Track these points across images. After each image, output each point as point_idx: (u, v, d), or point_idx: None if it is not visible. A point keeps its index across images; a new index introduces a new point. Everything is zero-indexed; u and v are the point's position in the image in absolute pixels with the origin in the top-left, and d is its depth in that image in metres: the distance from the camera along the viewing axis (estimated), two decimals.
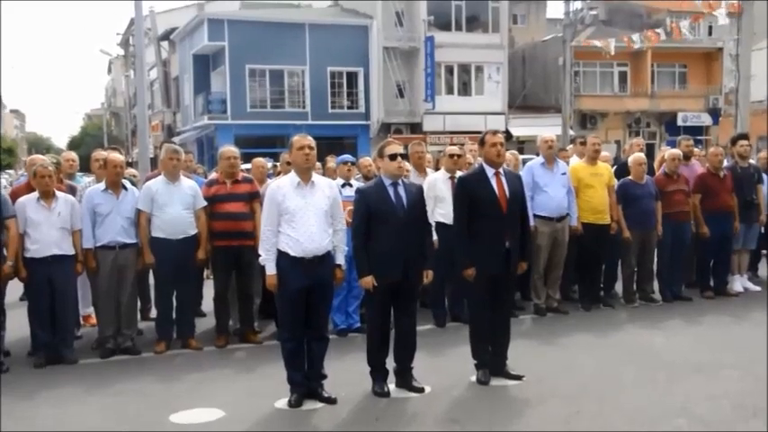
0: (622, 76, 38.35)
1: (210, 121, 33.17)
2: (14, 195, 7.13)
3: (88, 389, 6.11)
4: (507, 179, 5.93)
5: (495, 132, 6.04)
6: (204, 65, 35.67)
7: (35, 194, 6.82)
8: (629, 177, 8.76)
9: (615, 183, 8.73)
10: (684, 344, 7.11)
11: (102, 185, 7.13)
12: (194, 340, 7.30)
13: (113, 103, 71.20)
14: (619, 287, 9.02)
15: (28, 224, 6.71)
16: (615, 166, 9.53)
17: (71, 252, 6.85)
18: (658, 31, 25.11)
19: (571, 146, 10.73)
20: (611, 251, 8.73)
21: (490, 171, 5.92)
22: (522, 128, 33.37)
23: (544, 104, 36.13)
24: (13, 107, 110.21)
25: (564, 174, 8.38)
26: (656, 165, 9.93)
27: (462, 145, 9.29)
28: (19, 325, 7.08)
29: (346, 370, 6.07)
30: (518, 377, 5.95)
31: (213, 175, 8.01)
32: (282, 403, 5.50)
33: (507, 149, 6.71)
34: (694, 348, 6.90)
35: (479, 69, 35.80)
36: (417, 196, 5.75)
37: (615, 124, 37.38)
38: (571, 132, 27.80)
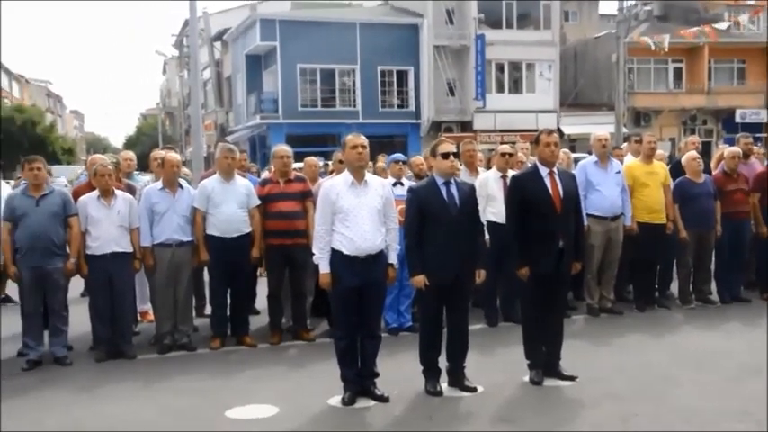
0: (677, 72, 37.59)
1: (262, 120, 33.57)
2: (76, 194, 7.32)
3: (146, 383, 6.25)
4: (561, 178, 5.88)
5: (549, 132, 5.99)
6: (256, 65, 36.11)
7: (95, 193, 7.01)
8: (686, 176, 8.61)
9: (671, 182, 8.58)
10: (743, 346, 6.96)
11: (159, 184, 7.28)
12: (248, 337, 7.40)
13: (168, 103, 72.47)
14: (675, 288, 8.87)
15: (89, 222, 6.89)
16: (670, 165, 9.36)
17: (130, 249, 7.01)
18: (722, 25, 24.50)
19: (625, 144, 10.57)
20: (668, 251, 8.59)
21: (544, 170, 5.88)
22: (574, 126, 33.01)
23: (596, 102, 35.67)
24: (73, 108, 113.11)
25: (618, 172, 8.27)
26: (713, 163, 9.73)
27: (514, 144, 9.22)
28: (80, 320, 7.27)
29: (398, 368, 6.09)
30: (572, 378, 5.90)
31: (266, 175, 8.10)
32: (335, 401, 5.55)
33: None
34: (753, 351, 6.73)
35: (530, 67, 35.53)
36: (469, 195, 5.74)
37: (670, 122, 36.68)
38: (624, 130, 27.40)
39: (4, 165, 14.70)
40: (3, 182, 10.17)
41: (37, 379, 6.43)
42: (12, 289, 8.80)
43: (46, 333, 6.97)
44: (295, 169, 7.82)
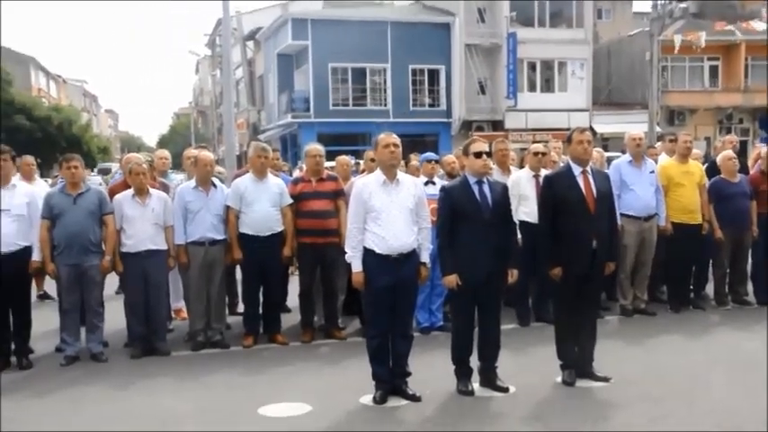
0: (713, 70, 37.05)
1: (294, 119, 33.74)
2: (112, 193, 7.42)
3: (180, 380, 6.32)
4: (595, 178, 5.83)
5: (582, 130, 5.94)
6: (288, 64, 36.29)
7: (130, 191, 7.10)
8: (722, 175, 8.49)
9: (706, 181, 8.47)
10: None
11: (192, 183, 7.35)
12: (280, 335, 7.45)
13: (200, 102, 73.15)
14: (710, 289, 8.77)
15: (124, 220, 6.99)
16: (706, 164, 9.24)
17: (164, 247, 7.09)
18: (760, 25, 24.09)
19: (660, 143, 10.46)
20: (703, 251, 8.49)
21: (577, 169, 5.83)
22: (607, 125, 32.72)
23: (629, 101, 35.32)
24: (108, 107, 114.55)
25: (652, 172, 8.19)
26: (750, 162, 9.58)
27: (546, 143, 9.16)
28: (114, 317, 7.37)
29: (430, 368, 6.09)
30: (605, 379, 5.85)
31: (298, 173, 8.14)
32: (367, 399, 5.57)
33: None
34: None
35: (563, 65, 35.31)
36: (502, 195, 5.72)
37: (705, 120, 36.15)
38: (658, 129, 27.09)
39: (41, 163, 14.99)
40: (41, 180, 10.34)
41: (74, 374, 6.54)
42: (50, 286, 8.97)
43: (83, 329, 7.08)
44: (327, 168, 7.86)
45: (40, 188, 8.63)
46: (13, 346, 6.82)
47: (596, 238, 5.77)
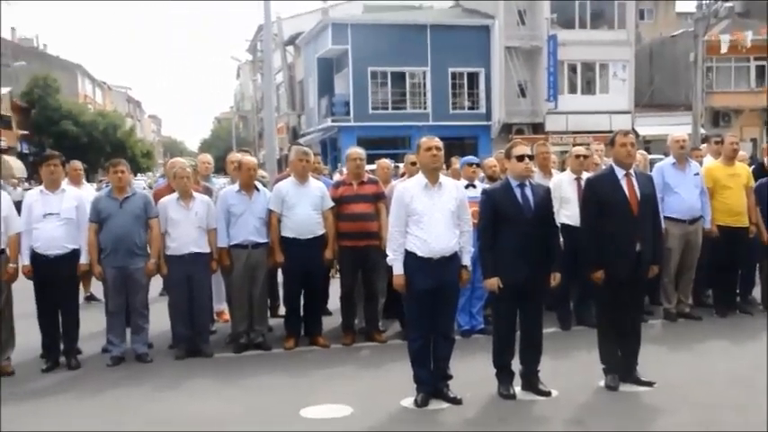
0: (760, 70, 36.29)
1: (334, 122, 33.91)
2: (157, 197, 7.54)
3: (224, 382, 6.39)
4: (638, 180, 5.77)
5: (626, 133, 5.88)
6: (328, 68, 36.49)
7: (175, 195, 7.21)
8: None
9: (753, 183, 8.32)
10: None
11: (236, 187, 7.43)
12: (321, 338, 7.49)
13: (241, 107, 73.93)
14: (757, 293, 8.59)
15: (168, 223, 7.09)
16: (752, 166, 9.07)
17: (207, 250, 7.18)
18: None
19: (704, 145, 10.30)
20: (749, 254, 8.33)
21: (620, 172, 5.78)
22: (649, 127, 32.27)
23: (673, 102, 34.79)
24: (151, 112, 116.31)
25: (696, 174, 8.07)
26: None
27: (588, 145, 9.09)
28: (158, 319, 7.47)
29: (471, 371, 6.07)
30: (649, 383, 5.78)
31: (338, 177, 8.18)
32: (409, 402, 5.57)
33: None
34: None
35: (604, 67, 34.95)
36: (544, 198, 5.70)
37: (751, 121, 35.45)
38: (702, 131, 26.65)
39: (87, 168, 15.29)
40: (88, 184, 10.55)
41: (120, 375, 6.66)
42: (96, 288, 9.14)
43: (128, 331, 7.21)
44: (367, 171, 7.89)
45: (88, 192, 8.81)
46: (62, 347, 6.96)
47: (640, 240, 5.71)
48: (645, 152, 9.13)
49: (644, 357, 5.96)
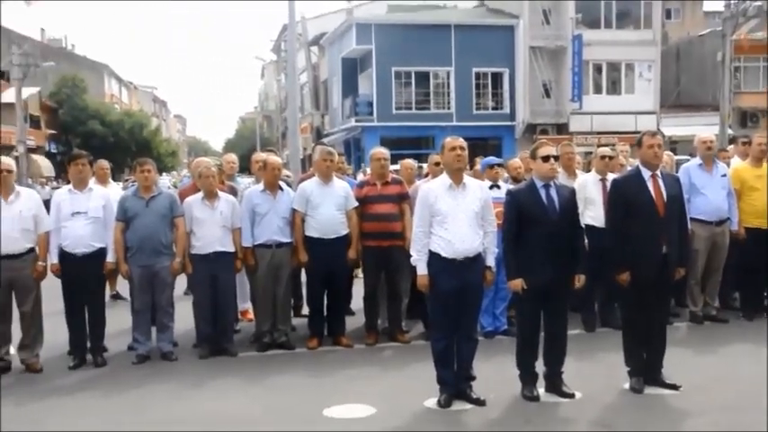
0: None
1: (357, 122, 33.95)
2: (182, 196, 7.60)
3: (248, 380, 6.43)
4: (665, 181, 5.73)
5: (653, 133, 5.84)
6: (352, 68, 36.54)
7: (200, 194, 7.25)
8: None
9: None
10: None
11: (260, 186, 7.47)
12: (344, 338, 7.51)
13: (266, 107, 74.24)
14: None
15: (194, 223, 7.15)
16: None
17: (232, 249, 7.22)
18: None
19: (732, 146, 10.18)
20: None
21: (646, 173, 5.73)
22: (675, 127, 31.92)
23: (699, 102, 34.41)
24: (177, 112, 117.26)
25: (724, 175, 7.99)
26: None
27: (613, 146, 9.03)
28: (182, 318, 7.53)
29: (494, 372, 6.06)
30: (674, 386, 5.73)
31: (361, 177, 8.18)
32: (432, 402, 5.57)
33: None
34: None
35: (630, 67, 34.66)
36: (569, 199, 5.67)
37: None
38: (729, 131, 26.34)
39: (113, 167, 15.38)
40: (114, 183, 10.65)
41: (145, 372, 6.73)
42: (122, 286, 9.23)
43: (153, 329, 7.27)
44: (391, 171, 7.88)
45: (115, 191, 8.89)
46: (88, 344, 7.04)
47: (666, 242, 5.66)
48: (671, 153, 9.03)
49: (669, 360, 5.90)
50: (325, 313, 7.54)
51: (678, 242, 5.79)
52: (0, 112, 42.14)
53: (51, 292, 7.13)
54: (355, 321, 8.11)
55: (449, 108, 34.18)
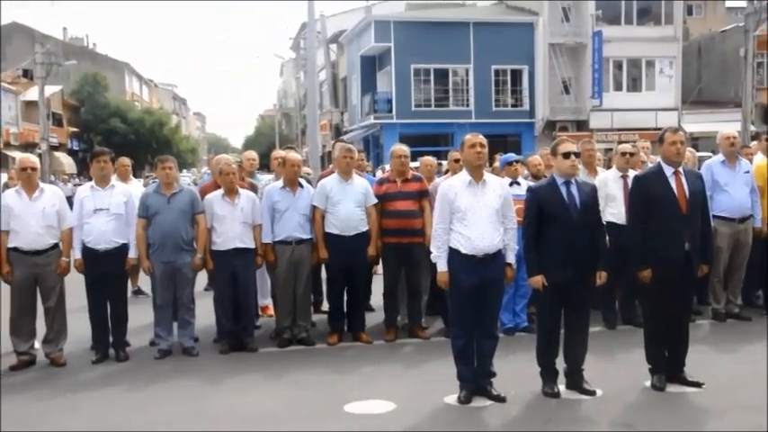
0: None
1: (376, 120, 33.98)
2: (203, 193, 7.64)
3: (268, 376, 6.46)
4: (687, 178, 5.68)
5: (675, 130, 5.79)
6: (371, 65, 36.59)
7: (220, 191, 7.29)
8: None
9: None
10: None
11: (280, 183, 7.49)
12: (364, 334, 7.52)
13: (285, 105, 74.42)
14: None
15: (214, 219, 7.18)
16: None
17: (252, 245, 7.25)
18: None
19: (755, 142, 10.08)
20: None
21: (669, 170, 5.69)
22: (697, 124, 31.68)
23: (721, 99, 34.12)
24: (196, 110, 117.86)
25: (747, 172, 7.91)
26: None
27: (634, 143, 8.95)
28: (203, 314, 7.57)
29: (514, 369, 6.05)
30: (697, 384, 5.68)
31: (381, 174, 8.18)
32: (452, 399, 5.57)
33: None
34: None
35: (650, 64, 34.45)
36: (591, 196, 5.64)
37: None
38: (752, 128, 26.08)
39: (134, 164, 15.46)
40: (136, 180, 10.72)
41: (167, 368, 6.78)
42: (143, 282, 9.31)
43: (175, 325, 7.32)
44: (411, 168, 7.88)
45: (136, 188, 8.96)
46: (111, 339, 7.10)
47: (688, 239, 5.62)
48: (693, 150, 8.95)
49: (692, 358, 5.86)
50: (345, 309, 7.56)
51: (701, 239, 5.75)
52: (24, 110, 42.62)
53: (75, 287, 7.20)
54: (375, 318, 8.12)
55: (468, 105, 34.13)
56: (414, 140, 27.11)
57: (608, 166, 8.59)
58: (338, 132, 41.38)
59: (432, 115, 33.42)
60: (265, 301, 8.51)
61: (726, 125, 13.21)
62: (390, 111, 33.76)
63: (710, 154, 12.89)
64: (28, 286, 6.78)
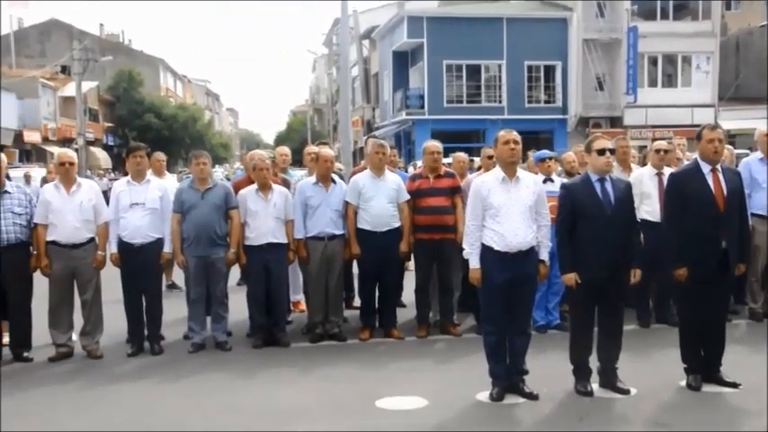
0: None
1: (408, 116, 33.95)
2: (236, 188, 7.68)
3: (300, 371, 6.50)
4: (725, 176, 5.60)
5: (713, 127, 5.71)
6: (403, 61, 36.56)
7: (254, 186, 7.33)
8: None
9: None
10: None
11: (312, 179, 7.52)
12: (396, 330, 7.52)
13: (317, 100, 74.68)
14: None
15: (247, 214, 7.22)
16: None
17: (285, 241, 7.29)
18: None
19: None
20: None
21: (706, 168, 5.61)
22: (734, 121, 31.15)
23: (760, 95, 33.46)
24: (229, 105, 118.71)
25: None
26: None
27: (670, 139, 8.85)
28: (235, 309, 7.60)
29: (547, 367, 6.02)
30: (734, 384, 5.60)
31: (412, 170, 8.17)
32: (484, 396, 5.56)
33: None
34: None
35: (686, 59, 33.99)
36: (625, 193, 5.58)
37: None
38: None
39: (168, 159, 15.66)
40: (170, 175, 10.84)
41: (201, 362, 6.84)
42: (177, 276, 9.41)
43: (208, 319, 7.38)
44: (444, 165, 7.87)
45: (170, 183, 9.05)
46: (146, 333, 7.19)
47: (726, 238, 5.55)
48: (731, 147, 8.81)
49: (728, 358, 5.78)
50: (377, 305, 7.57)
51: (738, 238, 5.66)
52: (62, 105, 43.31)
53: (111, 281, 7.30)
54: (406, 314, 8.12)
55: (500, 101, 33.96)
56: (445, 136, 27.06)
57: (643, 164, 8.48)
58: (370, 128, 41.43)
59: (464, 111, 33.31)
60: (297, 296, 8.55)
61: (764, 122, 12.99)
62: (422, 107, 33.71)
63: (748, 151, 12.70)
64: (66, 279, 6.90)
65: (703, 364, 5.70)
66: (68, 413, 5.56)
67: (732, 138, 28.86)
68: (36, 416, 5.50)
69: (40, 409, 5.64)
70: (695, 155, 5.90)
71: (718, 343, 5.71)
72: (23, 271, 6.89)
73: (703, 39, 33.28)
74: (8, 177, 7.14)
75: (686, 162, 7.20)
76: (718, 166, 5.64)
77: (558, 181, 7.20)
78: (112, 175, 33.65)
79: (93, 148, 45.15)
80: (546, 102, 34.55)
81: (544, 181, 7.18)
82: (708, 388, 5.62)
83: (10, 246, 6.75)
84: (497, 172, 5.56)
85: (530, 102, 34.25)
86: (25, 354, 6.92)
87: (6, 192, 6.84)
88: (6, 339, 7.02)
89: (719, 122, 29.24)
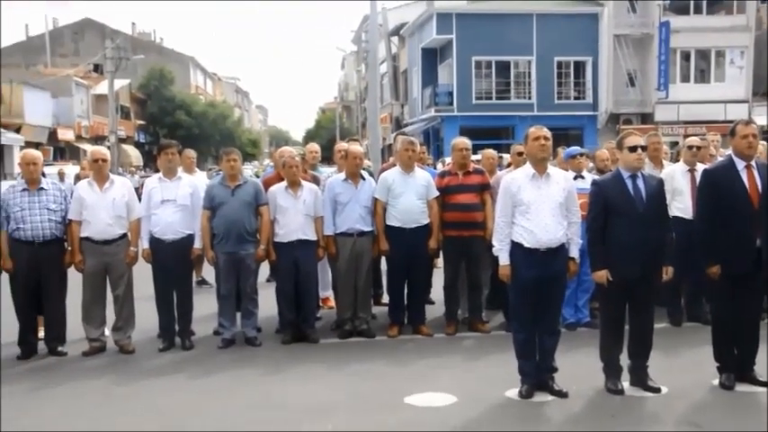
0: None
1: (437, 113, 33.89)
2: (266, 185, 7.72)
3: (329, 367, 6.52)
4: (760, 173, 5.51)
5: (747, 123, 5.63)
6: (432, 58, 36.47)
7: (284, 183, 7.37)
8: None
9: None
10: None
11: (342, 175, 7.54)
12: (424, 327, 7.52)
13: (345, 97, 74.85)
14: None
15: (277, 211, 7.26)
16: None
17: (314, 237, 7.32)
18: None
19: None
20: None
21: (740, 164, 5.53)
22: None
23: None
24: (258, 103, 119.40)
25: None
26: None
27: (704, 136, 8.73)
28: (265, 305, 7.63)
29: (576, 364, 5.98)
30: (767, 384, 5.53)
31: (441, 167, 8.14)
32: (513, 393, 5.54)
33: None
34: None
35: (720, 54, 33.48)
36: (657, 189, 5.53)
37: None
38: None
39: (198, 156, 15.88)
40: (200, 172, 10.93)
41: (231, 357, 6.90)
42: (207, 273, 9.49)
43: (238, 315, 7.44)
44: (473, 161, 7.84)
45: (201, 180, 9.13)
46: (177, 328, 7.27)
47: (760, 235, 5.46)
48: (765, 142, 8.67)
49: (761, 357, 5.70)
50: (406, 302, 7.58)
51: None
52: (95, 103, 43.88)
53: (142, 277, 7.39)
54: (435, 311, 8.11)
55: (530, 98, 33.75)
56: (474, 133, 26.99)
57: (675, 161, 8.39)
58: (398, 125, 41.41)
59: (493, 108, 33.15)
60: (326, 292, 8.57)
61: None
62: (451, 103, 33.62)
63: None
64: (99, 275, 7.00)
65: (736, 363, 5.63)
66: (100, 406, 5.64)
67: (766, 133, 28.43)
68: (69, 409, 5.59)
69: (72, 402, 5.72)
70: (729, 151, 5.82)
71: (751, 342, 5.63)
72: (58, 267, 7.00)
73: (738, 33, 32.78)
74: (43, 174, 7.23)
75: (719, 158, 7.11)
76: (753, 163, 5.56)
77: (589, 178, 7.15)
78: (144, 171, 34.03)
79: (124, 146, 45.69)
80: (576, 98, 34.28)
81: (575, 178, 7.13)
82: (741, 387, 5.55)
83: (46, 242, 6.86)
84: (527, 168, 5.53)
85: (559, 98, 33.99)
86: (60, 348, 7.03)
87: (42, 188, 6.95)
88: (42, 334, 7.14)
89: (753, 118, 28.91)
